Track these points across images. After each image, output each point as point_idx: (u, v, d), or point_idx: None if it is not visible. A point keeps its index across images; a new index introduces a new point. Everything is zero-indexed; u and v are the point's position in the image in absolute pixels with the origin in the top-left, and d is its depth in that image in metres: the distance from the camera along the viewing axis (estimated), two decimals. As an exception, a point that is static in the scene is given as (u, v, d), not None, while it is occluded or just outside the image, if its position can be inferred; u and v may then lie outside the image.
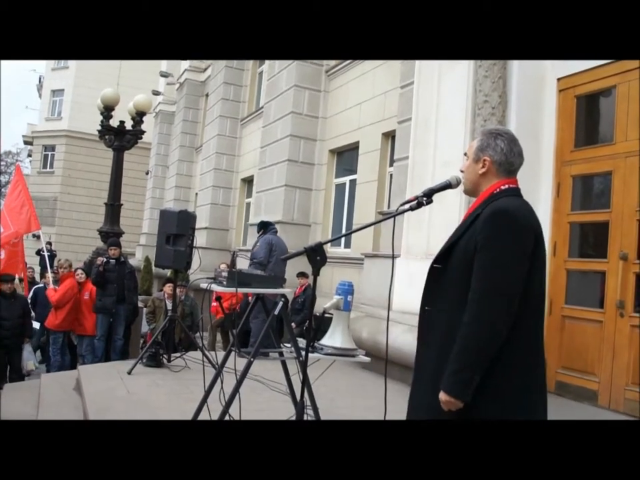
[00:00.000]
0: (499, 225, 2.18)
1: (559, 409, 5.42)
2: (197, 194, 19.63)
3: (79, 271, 9.65)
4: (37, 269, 16.29)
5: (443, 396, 2.14)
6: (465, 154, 2.45)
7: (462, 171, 2.46)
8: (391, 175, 8.73)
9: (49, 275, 10.80)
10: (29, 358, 8.83)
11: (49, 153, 33.22)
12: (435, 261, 2.36)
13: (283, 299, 4.14)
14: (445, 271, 2.30)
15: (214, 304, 7.12)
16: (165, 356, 6.87)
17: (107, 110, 11.79)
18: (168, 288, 9.00)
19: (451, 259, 2.29)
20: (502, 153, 2.35)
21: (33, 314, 9.59)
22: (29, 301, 10.00)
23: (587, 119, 6.26)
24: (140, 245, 23.53)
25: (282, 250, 7.94)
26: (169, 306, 8.87)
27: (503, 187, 2.34)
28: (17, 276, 9.71)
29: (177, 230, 6.80)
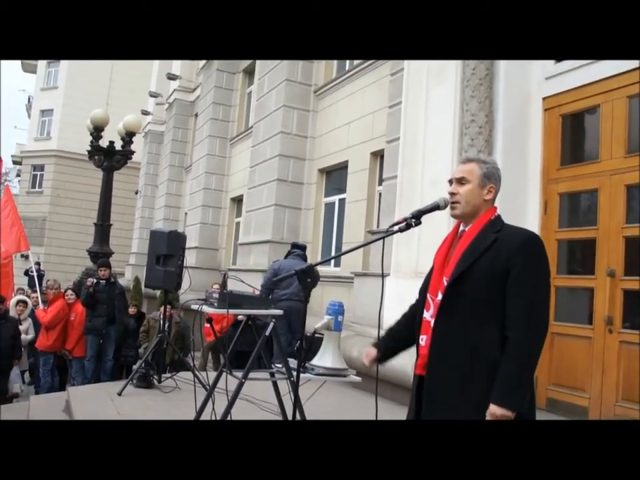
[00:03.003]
0: (537, 254, 2.38)
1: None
2: (186, 213, 19.61)
3: (69, 292, 9.61)
4: (26, 289, 16.18)
5: (498, 410, 2.21)
6: (462, 178, 2.51)
7: (454, 193, 2.51)
8: (380, 194, 8.78)
9: (38, 295, 10.75)
10: (16, 381, 8.77)
11: (38, 173, 33.11)
12: (451, 283, 2.41)
13: (274, 320, 4.15)
14: (463, 291, 2.35)
15: (206, 325, 7.11)
16: (155, 377, 6.84)
17: (97, 130, 11.82)
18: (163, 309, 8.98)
19: (470, 280, 2.37)
20: (499, 184, 2.56)
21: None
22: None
23: (573, 137, 6.34)
24: (129, 264, 23.44)
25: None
26: (164, 327, 8.84)
27: (497, 214, 2.52)
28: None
29: (167, 250, 6.80)
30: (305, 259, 8.05)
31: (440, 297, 2.44)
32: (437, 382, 2.39)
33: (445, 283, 2.43)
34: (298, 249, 8.57)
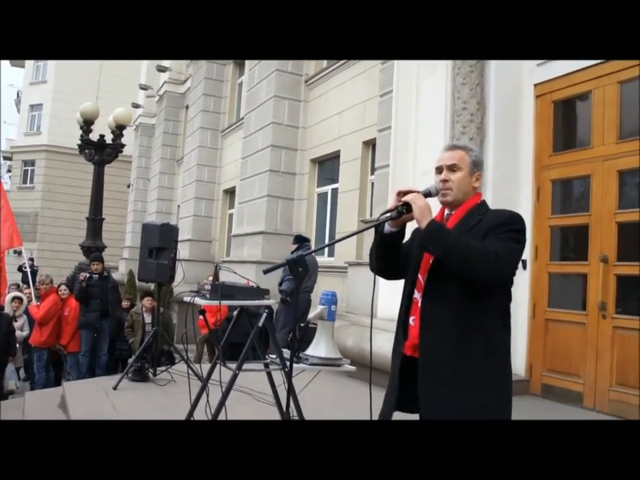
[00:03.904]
0: (520, 227, 2.42)
1: (545, 411, 5.45)
2: (179, 206, 19.57)
3: (62, 287, 9.58)
4: (21, 285, 16.11)
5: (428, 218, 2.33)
6: (454, 165, 2.51)
7: (446, 180, 2.50)
8: (373, 183, 8.77)
9: (31, 291, 10.71)
10: (11, 377, 8.74)
11: (29, 168, 32.93)
12: (435, 260, 2.42)
13: (267, 310, 4.14)
14: (447, 268, 2.35)
15: (200, 317, 7.14)
16: (150, 370, 6.82)
17: (87, 124, 11.75)
18: (147, 302, 8.96)
19: None
20: (483, 173, 2.59)
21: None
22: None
23: (565, 123, 6.34)
24: (123, 258, 23.40)
25: (311, 266, 8.04)
26: (147, 320, 8.82)
27: (483, 199, 2.56)
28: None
29: (159, 243, 6.76)
30: None
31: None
32: (433, 360, 2.38)
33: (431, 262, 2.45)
34: (307, 242, 8.76)
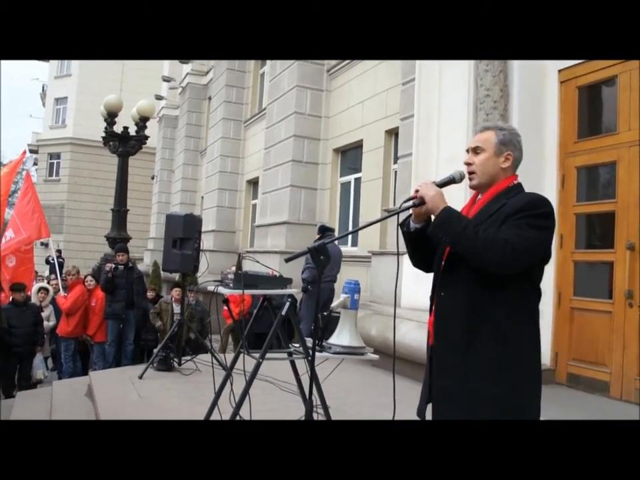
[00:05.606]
0: (541, 212, 2.30)
1: (570, 401, 5.41)
2: (202, 197, 19.68)
3: (89, 278, 9.68)
4: (45, 276, 16.33)
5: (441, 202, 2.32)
6: (477, 148, 2.45)
7: (469, 164, 2.46)
8: (396, 172, 8.73)
9: (59, 282, 10.84)
10: (39, 367, 8.87)
11: (55, 161, 33.37)
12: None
13: (290, 299, 4.14)
14: (461, 256, 2.30)
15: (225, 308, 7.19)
16: (175, 359, 6.89)
17: (110, 116, 11.82)
18: (175, 292, 9.04)
19: None
20: (519, 151, 2.49)
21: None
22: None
23: (590, 109, 6.24)
24: (148, 249, 23.60)
25: (334, 255, 8.05)
26: (176, 309, 8.89)
27: (516, 182, 2.46)
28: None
29: (183, 234, 6.82)
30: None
31: None
32: (444, 347, 2.37)
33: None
34: (330, 232, 8.76)
